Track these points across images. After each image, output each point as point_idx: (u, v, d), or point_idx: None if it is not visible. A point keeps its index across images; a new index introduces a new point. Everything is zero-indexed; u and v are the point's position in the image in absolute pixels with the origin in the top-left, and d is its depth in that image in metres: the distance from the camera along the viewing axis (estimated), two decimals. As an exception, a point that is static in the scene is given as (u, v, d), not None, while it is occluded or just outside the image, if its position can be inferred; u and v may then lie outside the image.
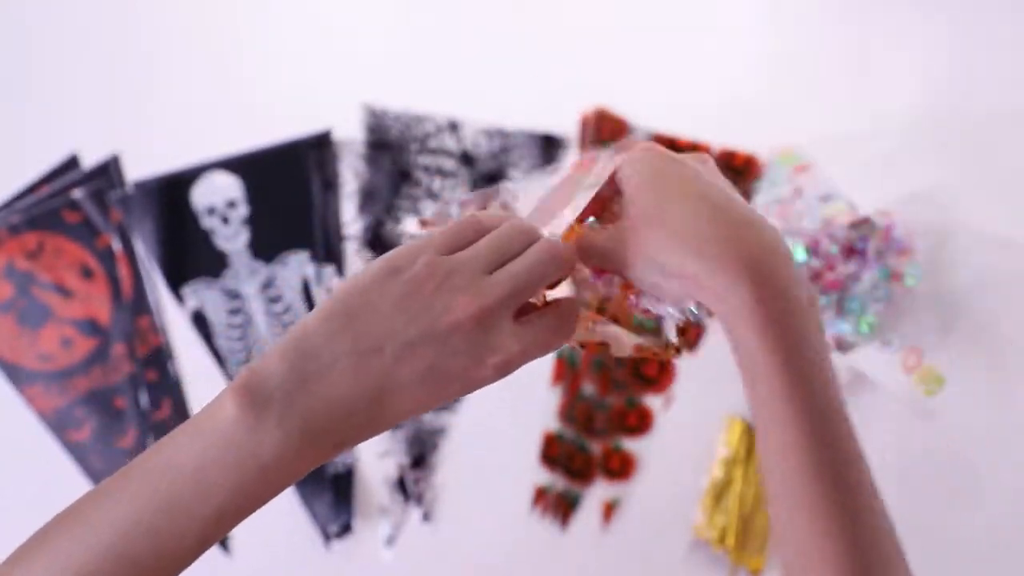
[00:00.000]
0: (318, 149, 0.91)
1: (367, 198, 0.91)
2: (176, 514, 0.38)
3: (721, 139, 0.88)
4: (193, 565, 0.82)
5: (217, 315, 0.91)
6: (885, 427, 0.84)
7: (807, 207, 0.80)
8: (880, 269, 0.81)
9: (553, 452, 0.88)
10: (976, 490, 0.84)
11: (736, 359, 0.43)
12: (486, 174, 0.90)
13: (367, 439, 0.41)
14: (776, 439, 0.41)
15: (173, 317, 0.91)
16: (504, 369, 0.41)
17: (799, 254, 0.81)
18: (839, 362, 0.81)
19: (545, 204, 0.50)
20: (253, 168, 0.91)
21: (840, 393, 0.42)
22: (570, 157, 0.90)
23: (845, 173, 0.83)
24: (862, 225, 0.80)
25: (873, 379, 0.80)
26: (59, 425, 0.89)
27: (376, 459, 0.89)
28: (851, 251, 0.81)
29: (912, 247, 0.82)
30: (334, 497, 0.88)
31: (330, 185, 0.91)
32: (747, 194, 0.87)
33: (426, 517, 0.88)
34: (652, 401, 0.88)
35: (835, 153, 0.84)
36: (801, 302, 0.41)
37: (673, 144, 0.52)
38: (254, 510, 0.40)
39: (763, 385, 0.42)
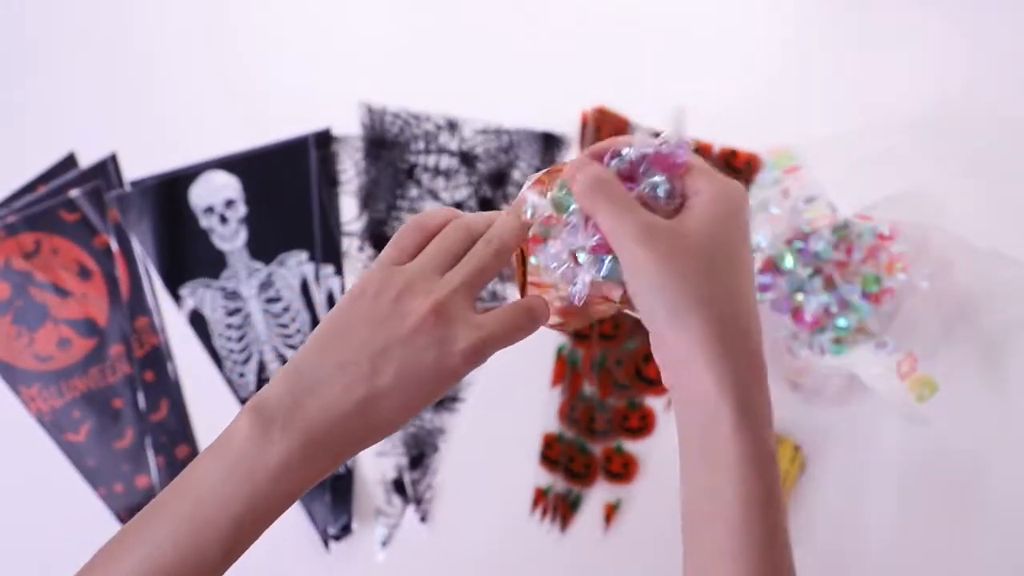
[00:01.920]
0: (317, 148, 0.91)
1: (366, 197, 0.90)
2: (199, 526, 0.42)
3: (721, 139, 0.87)
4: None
5: (215, 315, 0.90)
6: (883, 431, 0.83)
7: (792, 209, 0.80)
8: (867, 274, 0.81)
9: (553, 453, 0.87)
10: (970, 496, 0.84)
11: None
12: (486, 173, 0.90)
13: (370, 444, 0.45)
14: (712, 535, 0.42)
15: (171, 317, 0.90)
16: (473, 355, 0.45)
17: (788, 261, 0.81)
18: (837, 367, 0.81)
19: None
20: (251, 167, 0.90)
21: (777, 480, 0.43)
22: (570, 156, 0.89)
23: (845, 173, 0.83)
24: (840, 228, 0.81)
25: (866, 383, 0.79)
26: (56, 426, 0.89)
27: (375, 460, 0.89)
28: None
29: (900, 251, 0.82)
30: (333, 498, 0.88)
31: (329, 184, 0.91)
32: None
33: (425, 518, 0.88)
34: (654, 402, 0.88)
35: (835, 154, 0.84)
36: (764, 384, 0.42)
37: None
38: (270, 520, 0.44)
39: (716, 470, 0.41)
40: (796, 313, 0.82)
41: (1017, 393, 0.84)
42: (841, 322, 0.81)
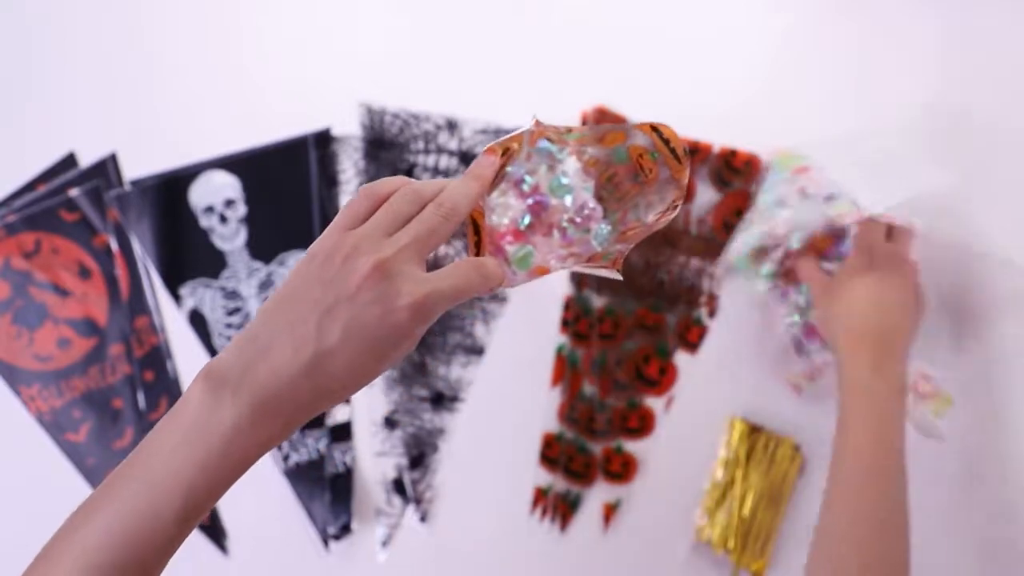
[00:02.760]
0: (317, 148, 0.91)
1: (366, 197, 0.90)
2: (155, 493, 0.43)
3: (721, 139, 0.87)
4: (192, 567, 0.82)
5: (215, 315, 0.90)
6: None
7: (814, 208, 0.79)
8: None
9: (553, 453, 0.87)
10: (971, 498, 0.84)
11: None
12: (486, 173, 0.90)
13: (321, 409, 0.46)
14: (845, 486, 0.69)
15: (171, 317, 0.90)
16: (418, 310, 0.45)
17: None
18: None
19: None
20: (251, 167, 0.90)
21: (903, 451, 0.68)
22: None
23: (845, 174, 0.83)
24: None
25: None
26: (56, 426, 0.89)
27: (375, 460, 0.89)
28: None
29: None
30: (333, 498, 0.88)
31: (329, 184, 0.91)
32: (750, 193, 0.87)
33: (425, 518, 0.88)
34: (654, 402, 0.88)
35: (834, 153, 0.83)
36: (889, 381, 0.71)
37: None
38: (224, 486, 0.45)
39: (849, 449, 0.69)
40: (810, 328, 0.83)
41: (1016, 406, 0.83)
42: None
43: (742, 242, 0.83)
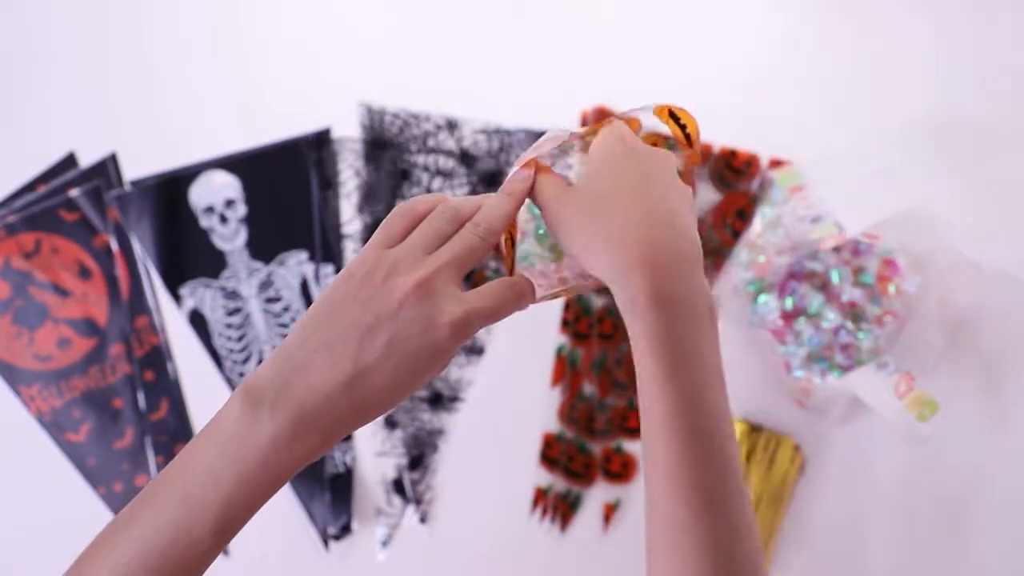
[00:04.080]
0: (317, 148, 0.91)
1: (366, 197, 0.90)
2: (191, 506, 0.43)
3: (721, 139, 0.87)
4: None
5: (215, 315, 0.90)
6: (883, 433, 0.83)
7: (800, 229, 0.80)
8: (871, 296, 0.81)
9: (553, 453, 0.87)
10: (968, 503, 0.84)
11: (633, 354, 0.47)
12: (485, 173, 0.90)
13: (359, 425, 0.46)
14: (656, 451, 0.46)
15: (171, 317, 0.90)
16: (458, 328, 0.45)
17: (815, 303, 0.81)
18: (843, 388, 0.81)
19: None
20: (251, 167, 0.90)
21: (726, 410, 0.46)
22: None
23: (849, 190, 0.83)
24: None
25: (867, 404, 0.79)
26: (56, 426, 0.89)
27: (375, 460, 0.89)
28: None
29: (900, 269, 0.81)
30: (333, 498, 0.88)
31: (329, 184, 0.91)
32: (748, 193, 0.87)
33: (425, 519, 0.88)
34: (653, 402, 0.87)
35: (839, 170, 0.83)
36: (697, 310, 0.46)
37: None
38: (261, 500, 0.45)
39: (649, 397, 0.46)
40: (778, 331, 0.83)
41: (1017, 411, 0.83)
42: (839, 358, 0.81)
43: (737, 272, 0.84)
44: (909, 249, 0.81)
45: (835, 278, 0.81)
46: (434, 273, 0.46)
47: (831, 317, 0.81)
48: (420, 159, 0.90)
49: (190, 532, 0.43)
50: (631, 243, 0.47)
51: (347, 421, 0.45)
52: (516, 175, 0.51)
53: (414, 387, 0.46)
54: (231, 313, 0.90)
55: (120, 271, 0.90)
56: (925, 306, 0.80)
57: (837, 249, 0.81)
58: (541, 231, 0.53)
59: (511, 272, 0.52)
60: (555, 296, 0.53)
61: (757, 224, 0.85)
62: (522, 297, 0.49)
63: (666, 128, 0.54)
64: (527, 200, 0.51)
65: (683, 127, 0.54)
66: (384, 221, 0.49)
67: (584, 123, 0.89)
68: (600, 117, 0.88)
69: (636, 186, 0.49)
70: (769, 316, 0.82)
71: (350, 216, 0.91)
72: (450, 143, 0.90)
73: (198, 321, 0.90)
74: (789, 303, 0.82)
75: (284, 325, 0.90)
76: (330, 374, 0.44)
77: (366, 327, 0.45)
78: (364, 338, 0.44)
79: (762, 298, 0.83)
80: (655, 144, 0.53)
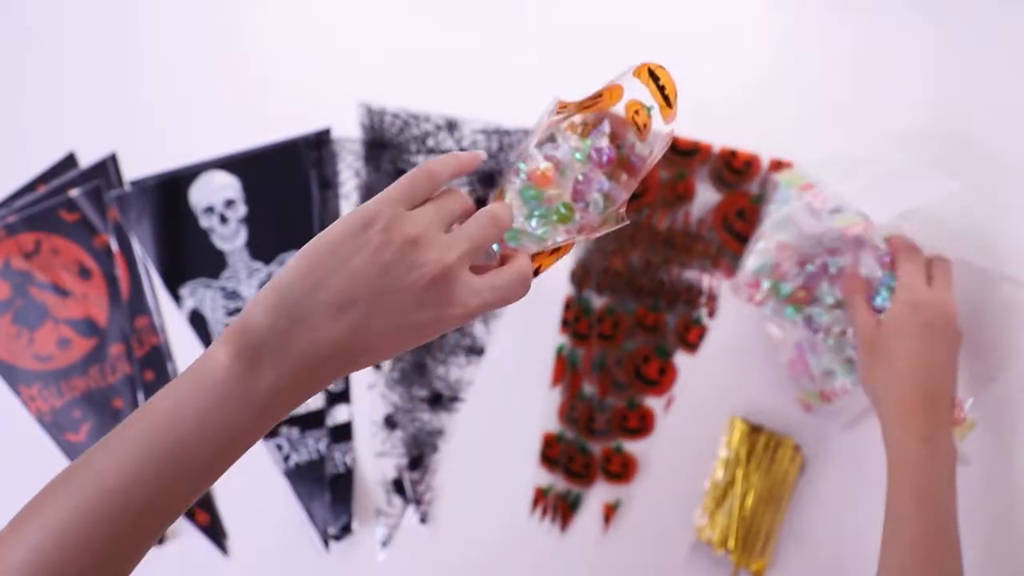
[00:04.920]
0: (316, 148, 0.91)
1: (366, 197, 0.90)
2: (180, 458, 0.42)
3: (721, 139, 0.87)
4: (192, 567, 0.82)
5: (215, 315, 0.90)
6: (880, 456, 0.83)
7: (822, 223, 0.79)
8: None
9: (553, 453, 0.87)
10: (967, 502, 0.84)
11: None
12: (484, 173, 0.90)
13: (352, 372, 0.47)
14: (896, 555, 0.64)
15: (171, 317, 0.90)
16: (467, 317, 0.47)
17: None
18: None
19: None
20: (251, 167, 0.90)
21: (957, 534, 0.64)
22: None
23: (848, 188, 0.82)
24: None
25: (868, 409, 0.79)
26: (56, 426, 0.89)
27: (375, 460, 0.89)
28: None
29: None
30: (333, 498, 0.88)
31: (329, 184, 0.91)
32: (749, 193, 0.87)
33: (425, 519, 0.88)
34: (653, 403, 0.88)
35: (836, 172, 0.83)
36: (941, 453, 0.66)
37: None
38: (250, 446, 0.44)
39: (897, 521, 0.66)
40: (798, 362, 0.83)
41: (1017, 411, 0.83)
42: (849, 351, 0.80)
43: (754, 260, 0.84)
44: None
45: (887, 281, 0.78)
46: (456, 262, 0.46)
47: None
48: (420, 159, 0.90)
49: (180, 481, 0.42)
50: (907, 404, 0.69)
51: (345, 370, 0.45)
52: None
53: (401, 351, 0.47)
54: (231, 313, 0.90)
55: (120, 271, 0.90)
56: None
57: (862, 242, 0.79)
58: (537, 213, 0.55)
59: (501, 257, 0.52)
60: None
61: (766, 224, 0.84)
62: (527, 285, 0.50)
63: (647, 91, 0.55)
64: (520, 186, 0.54)
65: (662, 88, 0.54)
66: (407, 176, 0.48)
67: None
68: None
69: (923, 360, 0.70)
70: (799, 325, 0.82)
71: (350, 216, 0.91)
72: (450, 143, 0.90)
73: (198, 321, 0.90)
74: (803, 310, 0.82)
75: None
76: (333, 332, 0.43)
77: (378, 294, 0.44)
78: (375, 305, 0.44)
79: (789, 311, 0.83)
80: (636, 112, 0.56)
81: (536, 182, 0.56)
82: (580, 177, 0.57)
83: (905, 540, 0.64)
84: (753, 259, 0.85)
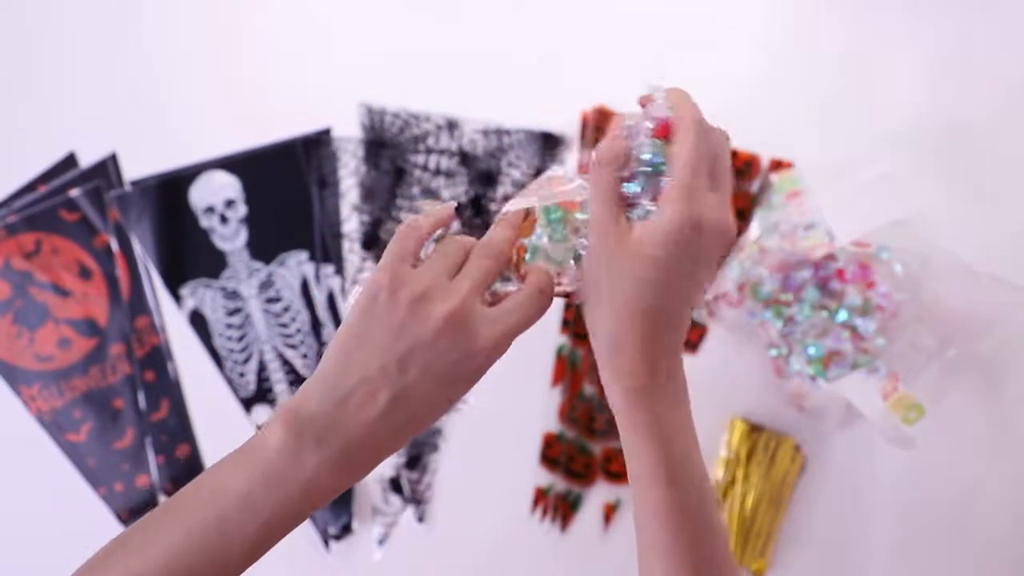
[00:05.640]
0: (317, 148, 0.91)
1: (366, 197, 0.90)
2: (227, 531, 0.43)
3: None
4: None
5: (215, 315, 0.90)
6: (886, 453, 0.83)
7: (794, 236, 0.80)
8: (853, 299, 0.81)
9: (553, 453, 0.87)
10: (964, 502, 0.84)
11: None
12: (484, 173, 0.90)
13: (396, 450, 0.47)
14: (642, 501, 0.53)
15: (171, 317, 0.90)
16: (495, 349, 0.47)
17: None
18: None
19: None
20: (252, 167, 0.90)
21: (701, 464, 0.54)
22: (570, 155, 0.89)
23: (846, 195, 0.83)
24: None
25: (855, 407, 0.79)
26: (56, 426, 0.89)
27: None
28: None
29: (873, 278, 0.81)
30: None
31: (329, 184, 0.91)
32: (748, 194, 0.87)
33: (423, 518, 0.88)
34: (653, 402, 0.87)
35: (836, 174, 0.83)
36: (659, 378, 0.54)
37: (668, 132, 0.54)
38: (298, 523, 0.46)
39: (636, 469, 0.55)
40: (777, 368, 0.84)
41: (1014, 413, 0.84)
42: (811, 350, 0.81)
43: (735, 273, 0.85)
44: (904, 254, 0.81)
45: (810, 296, 0.81)
46: (463, 301, 0.46)
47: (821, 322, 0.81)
48: (420, 159, 0.90)
49: (225, 554, 0.43)
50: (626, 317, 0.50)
51: (388, 447, 0.46)
52: (509, 215, 0.52)
53: (450, 406, 0.47)
54: (231, 313, 0.90)
55: (120, 271, 0.90)
56: (917, 311, 0.80)
57: (828, 258, 0.81)
58: (557, 236, 0.53)
59: (520, 277, 0.51)
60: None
61: (755, 227, 0.85)
62: (547, 296, 0.50)
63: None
64: (543, 207, 0.52)
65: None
66: (394, 239, 0.49)
67: (584, 123, 0.89)
68: (600, 117, 0.88)
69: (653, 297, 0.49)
70: (766, 324, 0.83)
71: (349, 216, 0.91)
72: (450, 143, 0.90)
73: (198, 321, 0.90)
74: (783, 312, 0.82)
75: (284, 325, 0.90)
76: (370, 405, 0.45)
77: (400, 355, 0.45)
78: (399, 367, 0.45)
79: (767, 314, 0.83)
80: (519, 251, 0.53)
81: (564, 205, 0.54)
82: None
83: (649, 507, 0.52)
84: (735, 266, 0.85)
